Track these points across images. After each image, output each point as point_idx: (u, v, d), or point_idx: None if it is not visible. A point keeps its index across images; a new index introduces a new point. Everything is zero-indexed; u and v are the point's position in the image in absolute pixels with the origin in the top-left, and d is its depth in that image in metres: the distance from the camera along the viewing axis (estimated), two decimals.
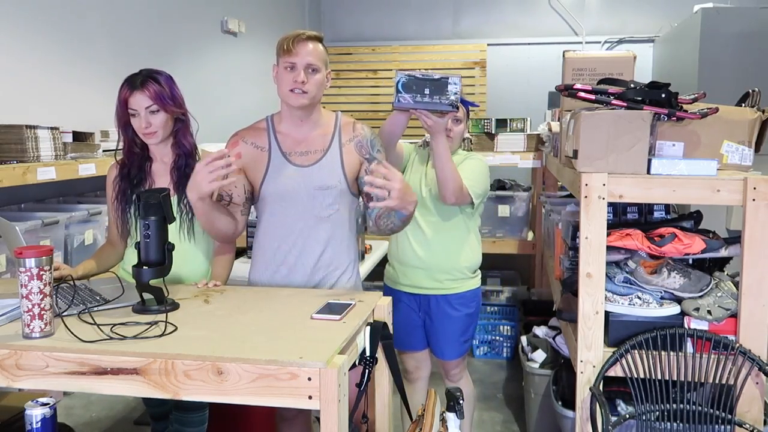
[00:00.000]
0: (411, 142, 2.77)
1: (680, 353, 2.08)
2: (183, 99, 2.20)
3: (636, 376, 2.09)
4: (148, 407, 2.53)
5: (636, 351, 2.09)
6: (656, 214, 2.51)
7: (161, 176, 2.21)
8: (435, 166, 2.31)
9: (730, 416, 2.05)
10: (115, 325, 1.63)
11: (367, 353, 1.71)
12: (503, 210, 4.27)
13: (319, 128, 2.12)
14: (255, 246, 2.20)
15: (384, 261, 3.77)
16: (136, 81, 2.11)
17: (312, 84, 2.02)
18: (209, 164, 1.79)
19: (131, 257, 2.08)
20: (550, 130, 3.67)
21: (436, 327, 2.61)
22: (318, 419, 1.44)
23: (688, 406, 2.07)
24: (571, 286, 2.34)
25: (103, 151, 2.76)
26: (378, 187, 1.80)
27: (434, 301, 2.58)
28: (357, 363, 1.67)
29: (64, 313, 1.67)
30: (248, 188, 2.13)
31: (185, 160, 2.20)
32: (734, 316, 2.08)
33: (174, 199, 2.17)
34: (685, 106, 2.15)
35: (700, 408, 2.07)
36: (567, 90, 2.22)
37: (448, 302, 2.58)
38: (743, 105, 2.27)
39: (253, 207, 2.20)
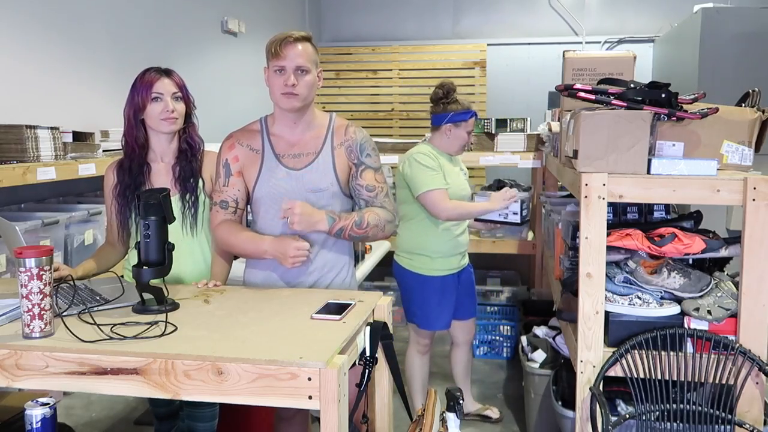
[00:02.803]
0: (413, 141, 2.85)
1: (680, 353, 2.08)
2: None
3: (636, 376, 2.09)
4: (153, 407, 2.53)
5: (636, 351, 2.09)
6: (656, 214, 2.51)
7: (161, 176, 2.21)
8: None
9: (730, 416, 2.05)
10: (115, 325, 1.63)
11: (367, 353, 1.71)
12: None
13: (313, 130, 2.12)
14: None
15: (385, 262, 3.78)
16: (161, 68, 2.18)
17: (303, 86, 2.01)
18: (300, 251, 1.98)
19: (135, 257, 2.09)
20: (550, 130, 3.67)
21: (469, 291, 3.19)
22: (318, 419, 1.44)
23: (688, 406, 2.07)
24: (571, 286, 2.34)
25: (103, 151, 2.76)
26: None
27: (464, 272, 3.14)
28: (357, 363, 1.67)
29: (64, 313, 1.67)
30: (246, 190, 2.14)
31: (189, 157, 2.22)
32: (734, 316, 2.08)
33: (176, 197, 2.18)
34: (685, 106, 2.15)
35: (700, 408, 2.07)
36: (567, 90, 2.22)
37: (469, 270, 3.19)
38: (743, 105, 2.27)
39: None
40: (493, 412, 3.42)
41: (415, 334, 3.16)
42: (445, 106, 2.98)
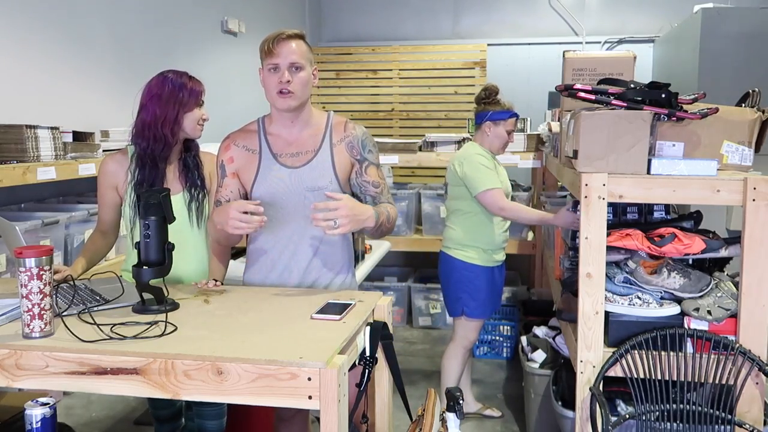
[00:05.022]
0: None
1: (680, 353, 2.08)
2: None
3: (636, 376, 2.09)
4: (154, 410, 2.53)
5: (636, 351, 2.09)
6: (656, 214, 2.51)
7: (170, 173, 2.25)
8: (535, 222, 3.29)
9: (730, 416, 2.05)
10: (115, 325, 1.63)
11: (367, 353, 1.71)
12: None
13: (310, 128, 2.11)
14: (248, 248, 2.20)
15: (385, 262, 3.79)
16: (188, 74, 2.28)
17: (297, 83, 2.00)
18: (245, 216, 1.83)
19: (133, 257, 2.09)
20: (550, 130, 3.67)
21: (502, 286, 3.33)
22: (318, 419, 1.44)
23: (688, 406, 2.07)
24: (571, 286, 2.34)
25: (103, 151, 2.76)
26: (324, 220, 1.85)
27: (502, 268, 3.29)
28: (357, 363, 1.67)
29: (64, 313, 1.67)
30: (242, 191, 2.13)
31: (192, 154, 2.29)
32: (734, 316, 2.08)
33: (182, 194, 2.22)
34: (685, 106, 2.15)
35: (700, 408, 2.07)
36: (567, 90, 2.22)
37: (504, 266, 3.31)
38: (743, 105, 2.27)
39: None
40: (494, 412, 3.42)
41: (462, 330, 3.25)
42: (486, 105, 3.19)
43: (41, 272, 1.52)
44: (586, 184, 2.06)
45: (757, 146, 2.19)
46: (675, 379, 2.10)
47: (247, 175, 2.10)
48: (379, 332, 1.75)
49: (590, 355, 2.12)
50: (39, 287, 1.52)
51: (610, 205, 2.26)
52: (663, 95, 2.11)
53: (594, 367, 2.12)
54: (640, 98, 2.11)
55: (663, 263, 2.18)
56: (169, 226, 1.82)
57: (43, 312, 1.54)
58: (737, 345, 2.04)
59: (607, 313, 2.13)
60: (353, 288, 2.21)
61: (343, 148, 2.10)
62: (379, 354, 1.79)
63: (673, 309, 2.13)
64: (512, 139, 3.24)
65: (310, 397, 1.40)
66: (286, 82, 1.98)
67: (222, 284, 2.13)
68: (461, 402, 1.81)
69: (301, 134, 2.10)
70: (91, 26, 3.20)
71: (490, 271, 3.17)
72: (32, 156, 2.33)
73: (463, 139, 4.07)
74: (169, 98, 2.16)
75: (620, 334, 2.13)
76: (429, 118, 5.85)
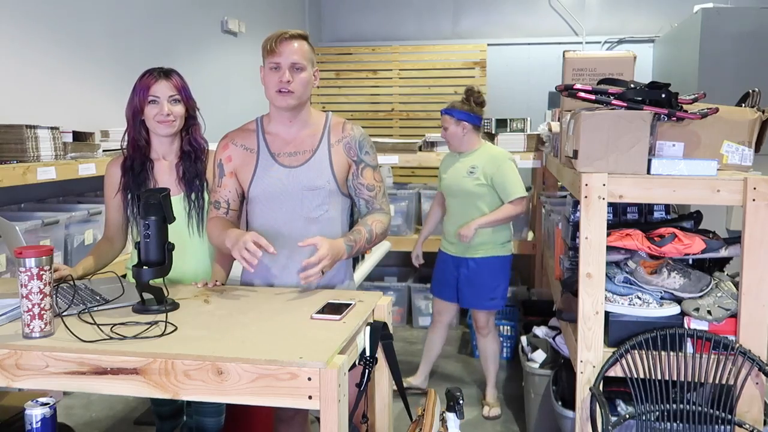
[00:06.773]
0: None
1: (680, 353, 2.08)
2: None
3: (636, 376, 2.09)
4: (155, 407, 2.53)
5: (636, 351, 2.09)
6: (656, 214, 2.51)
7: (164, 174, 2.22)
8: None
9: (730, 416, 2.05)
10: (115, 325, 1.63)
11: (367, 353, 1.71)
12: None
13: (309, 128, 2.11)
14: None
15: (385, 262, 3.81)
16: (161, 70, 2.17)
17: (297, 83, 2.00)
18: (252, 251, 1.84)
19: (135, 257, 2.09)
20: (550, 130, 3.68)
21: (469, 282, 3.39)
22: (318, 419, 1.44)
23: (688, 406, 2.07)
24: (571, 286, 2.34)
25: (103, 151, 2.76)
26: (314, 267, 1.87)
27: (463, 262, 3.38)
28: (357, 363, 1.67)
29: (64, 313, 1.67)
30: (240, 191, 2.13)
31: (193, 158, 2.22)
32: (734, 316, 2.08)
33: (180, 196, 2.19)
34: (685, 106, 2.15)
35: (700, 408, 2.07)
36: (567, 90, 2.22)
37: (469, 264, 3.36)
38: (743, 105, 2.27)
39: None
40: (493, 407, 3.44)
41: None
42: None
43: (41, 272, 1.52)
44: (586, 184, 2.06)
45: (757, 146, 2.19)
46: (675, 379, 2.10)
47: (245, 174, 2.10)
48: (379, 332, 1.75)
49: (590, 355, 2.12)
50: (39, 287, 1.52)
51: (610, 205, 2.26)
52: (663, 95, 2.11)
53: (594, 367, 2.12)
54: (640, 98, 2.11)
55: (663, 263, 2.18)
56: (167, 232, 1.81)
57: (43, 312, 1.54)
58: (737, 345, 2.04)
59: (607, 313, 2.13)
60: (351, 287, 2.21)
61: (340, 149, 2.10)
62: (379, 354, 1.79)
63: (673, 309, 2.13)
64: (444, 137, 3.49)
65: (310, 397, 1.40)
66: (286, 82, 1.98)
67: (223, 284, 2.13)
68: (461, 402, 1.81)
69: (299, 134, 2.10)
70: (91, 26, 3.20)
71: (441, 255, 3.52)
72: (32, 156, 2.33)
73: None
74: (128, 108, 2.17)
75: (620, 334, 2.13)
76: (429, 118, 5.85)
